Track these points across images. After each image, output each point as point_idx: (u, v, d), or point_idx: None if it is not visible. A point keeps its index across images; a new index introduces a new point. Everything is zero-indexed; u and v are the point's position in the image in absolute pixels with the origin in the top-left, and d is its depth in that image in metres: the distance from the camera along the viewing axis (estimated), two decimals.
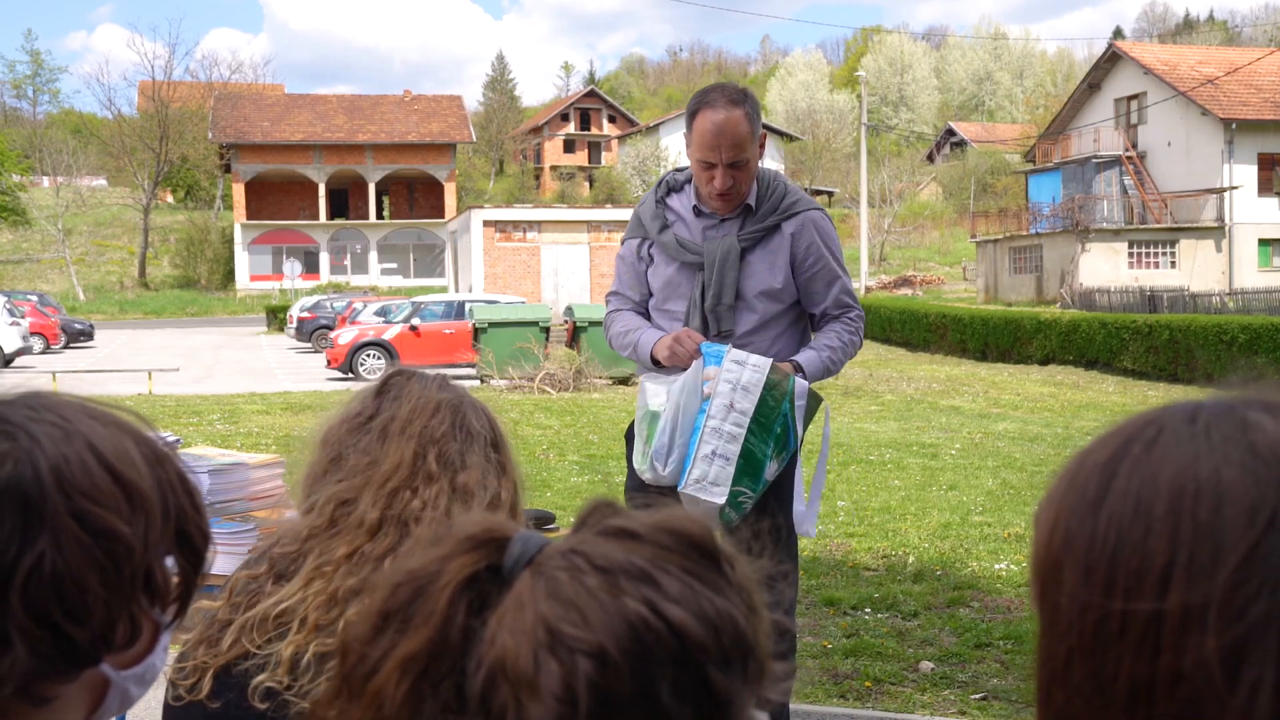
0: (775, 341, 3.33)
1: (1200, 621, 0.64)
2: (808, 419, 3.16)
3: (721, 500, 2.98)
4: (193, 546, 1.01)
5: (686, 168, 3.44)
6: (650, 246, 3.40)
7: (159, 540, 0.97)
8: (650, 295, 3.44)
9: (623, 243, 3.53)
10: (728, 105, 3.16)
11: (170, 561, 1.00)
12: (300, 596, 1.60)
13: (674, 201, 3.41)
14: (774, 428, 3.06)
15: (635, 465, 3.22)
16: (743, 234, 3.30)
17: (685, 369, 3.13)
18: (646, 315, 3.45)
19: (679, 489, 3.02)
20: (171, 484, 0.99)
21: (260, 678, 1.56)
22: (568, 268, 35.50)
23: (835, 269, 3.39)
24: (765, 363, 3.07)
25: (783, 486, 3.17)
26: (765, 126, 3.39)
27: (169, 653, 1.06)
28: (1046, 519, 0.74)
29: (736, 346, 3.24)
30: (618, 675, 0.65)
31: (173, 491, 0.99)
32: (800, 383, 3.11)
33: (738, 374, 3.04)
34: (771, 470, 3.09)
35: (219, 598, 1.67)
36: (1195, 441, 0.69)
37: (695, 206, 3.35)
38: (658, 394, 3.14)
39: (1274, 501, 0.65)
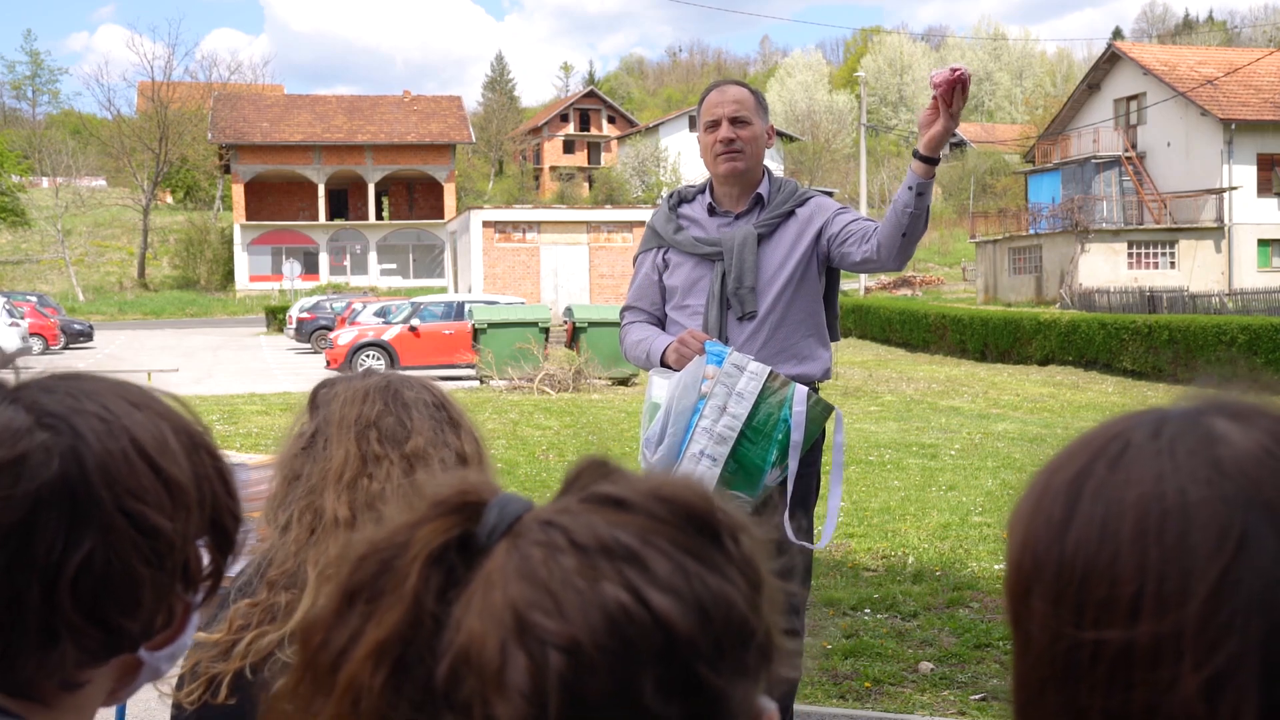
0: (796, 326, 3.39)
1: (1174, 652, 0.61)
2: (815, 426, 3.16)
3: None
4: (225, 531, 1.03)
5: (695, 185, 3.63)
6: (666, 253, 3.52)
7: (196, 529, 0.99)
8: (664, 305, 3.53)
9: (635, 259, 3.65)
10: (732, 83, 3.52)
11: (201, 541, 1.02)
12: (282, 549, 1.64)
13: (686, 209, 3.56)
14: (775, 435, 3.07)
15: (639, 458, 3.26)
16: (758, 222, 3.42)
17: None
18: (660, 326, 3.53)
19: None
20: (207, 471, 1.01)
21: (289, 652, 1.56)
22: (567, 268, 35.50)
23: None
24: (763, 370, 3.10)
25: (786, 493, 3.17)
26: None
27: (196, 628, 1.08)
28: (1015, 539, 0.71)
29: (759, 328, 3.34)
30: (593, 672, 0.58)
31: (207, 479, 1.00)
32: (800, 389, 3.11)
33: (734, 379, 3.06)
34: (773, 477, 3.09)
35: (218, 629, 1.66)
36: (1160, 459, 0.66)
37: (710, 205, 3.49)
38: (662, 387, 3.18)
39: (1243, 522, 0.62)
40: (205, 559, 1.02)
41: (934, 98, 3.08)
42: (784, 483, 3.14)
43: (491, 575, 0.61)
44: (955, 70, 3.04)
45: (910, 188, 3.17)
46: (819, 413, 3.15)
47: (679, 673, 0.59)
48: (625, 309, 3.62)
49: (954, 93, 3.05)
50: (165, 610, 0.97)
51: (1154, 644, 0.62)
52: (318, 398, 1.78)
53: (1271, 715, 0.60)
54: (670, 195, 3.64)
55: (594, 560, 0.60)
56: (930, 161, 3.15)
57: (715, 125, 3.39)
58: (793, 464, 3.12)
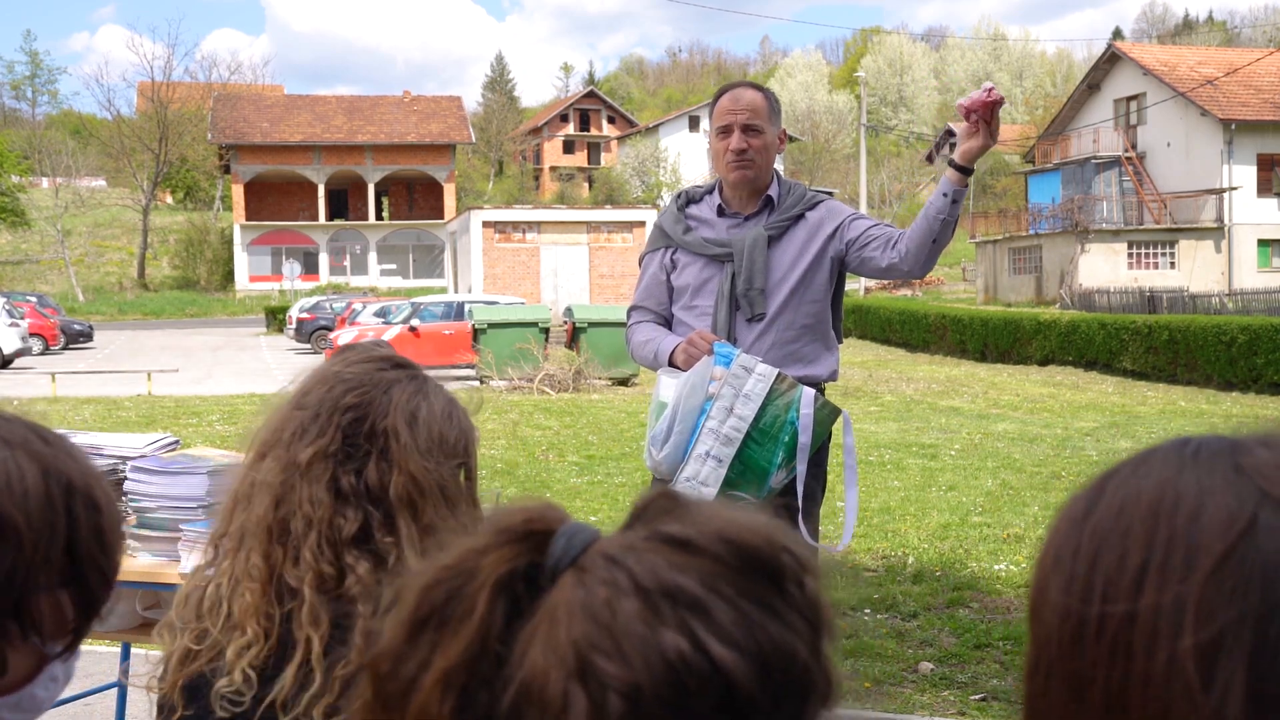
0: (804, 328, 3.39)
1: (1173, 622, 0.63)
2: (822, 429, 3.16)
3: None
4: (86, 585, 0.98)
5: (702, 185, 3.62)
6: (674, 253, 3.51)
7: (39, 573, 0.94)
8: (670, 306, 3.52)
9: (641, 259, 3.64)
10: (746, 86, 3.48)
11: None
12: (215, 578, 1.55)
13: (695, 210, 3.55)
14: (781, 436, 3.07)
15: (644, 456, 3.26)
16: (768, 224, 3.42)
17: None
18: (667, 326, 3.52)
19: (671, 485, 3.06)
20: (77, 524, 0.96)
21: (219, 684, 1.50)
22: (567, 268, 35.50)
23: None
24: (771, 372, 3.11)
25: (789, 496, 3.18)
26: None
27: (60, 685, 1.03)
28: (1043, 544, 0.73)
29: (767, 330, 3.35)
30: (650, 718, 0.58)
31: (71, 527, 0.96)
32: (807, 392, 3.12)
33: (742, 381, 3.07)
34: (779, 479, 3.10)
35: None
36: (1182, 460, 0.69)
37: (720, 206, 3.49)
38: (669, 386, 3.18)
39: (1252, 510, 0.64)
40: (69, 613, 0.97)
41: (975, 119, 3.11)
42: (793, 484, 3.15)
43: (556, 610, 0.61)
44: (991, 90, 3.11)
45: (945, 194, 3.22)
46: (826, 415, 3.16)
47: None
48: (632, 309, 3.60)
49: (993, 112, 3.11)
50: None
51: (1155, 615, 0.63)
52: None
53: (1259, 689, 0.61)
54: (678, 195, 3.63)
55: (657, 604, 0.60)
56: (966, 172, 3.23)
57: (727, 132, 3.37)
58: (801, 466, 3.12)
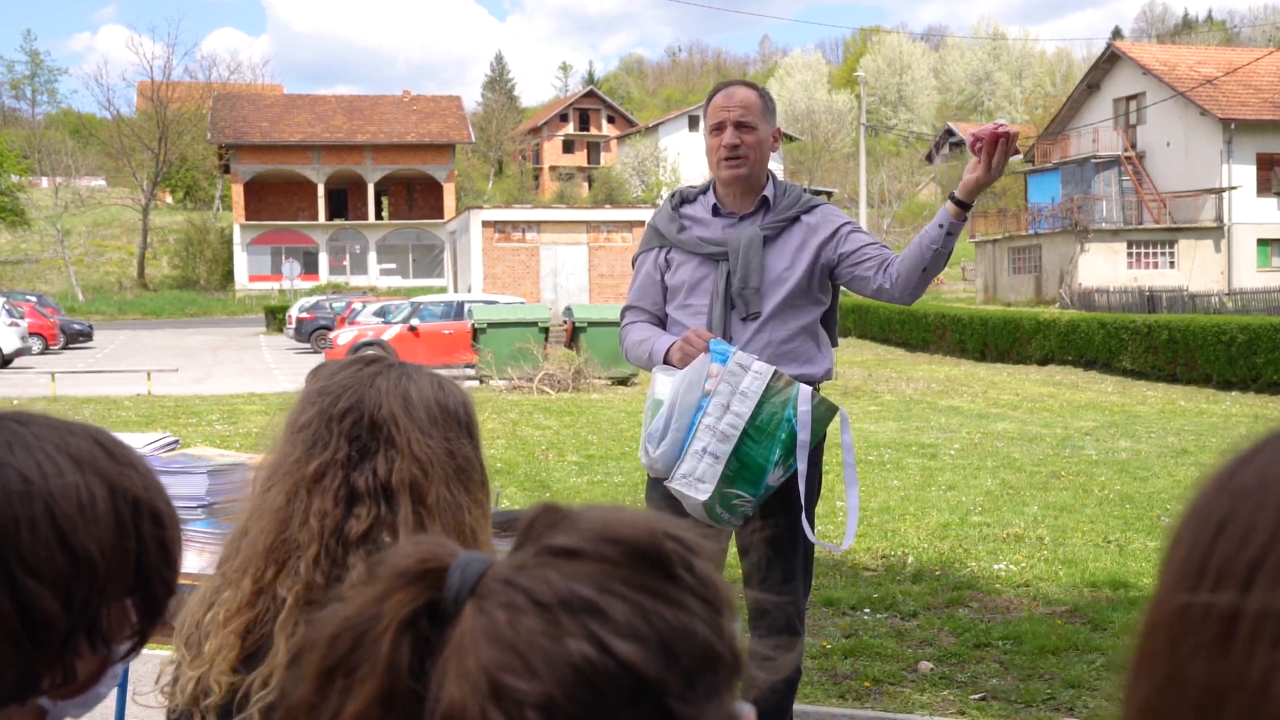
0: (799, 328, 3.39)
1: (1277, 629, 0.55)
2: (820, 426, 3.16)
3: (705, 497, 3.02)
4: (153, 598, 1.00)
5: (696, 185, 3.62)
6: (668, 252, 3.50)
7: (113, 594, 0.96)
8: (664, 305, 3.51)
9: (635, 259, 3.63)
10: (739, 84, 3.47)
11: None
12: (217, 606, 1.55)
13: (689, 209, 3.55)
14: (778, 434, 3.07)
15: (640, 454, 3.26)
16: (765, 224, 3.42)
17: None
18: (662, 326, 3.51)
19: (667, 482, 3.09)
20: (144, 540, 0.98)
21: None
22: (567, 268, 35.49)
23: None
24: (768, 370, 3.11)
25: (790, 493, 3.18)
26: None
27: (118, 677, 1.06)
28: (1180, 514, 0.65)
29: (761, 329, 3.34)
30: None
31: (138, 540, 0.98)
32: (804, 389, 3.12)
33: (739, 378, 3.07)
34: (775, 476, 3.10)
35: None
36: None
37: (714, 205, 3.48)
38: (665, 384, 3.18)
39: None
40: (133, 617, 0.99)
41: (979, 148, 3.10)
42: (790, 482, 3.15)
43: (463, 640, 0.63)
44: (999, 126, 3.08)
45: (941, 225, 3.22)
46: (823, 413, 3.16)
47: (651, 712, 0.62)
48: (626, 309, 3.59)
49: (997, 147, 3.08)
50: (56, 672, 0.94)
51: (1259, 616, 0.55)
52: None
53: None
54: (672, 195, 3.62)
55: (556, 616, 0.62)
56: (965, 206, 3.21)
57: (720, 129, 3.36)
58: (801, 464, 3.12)
